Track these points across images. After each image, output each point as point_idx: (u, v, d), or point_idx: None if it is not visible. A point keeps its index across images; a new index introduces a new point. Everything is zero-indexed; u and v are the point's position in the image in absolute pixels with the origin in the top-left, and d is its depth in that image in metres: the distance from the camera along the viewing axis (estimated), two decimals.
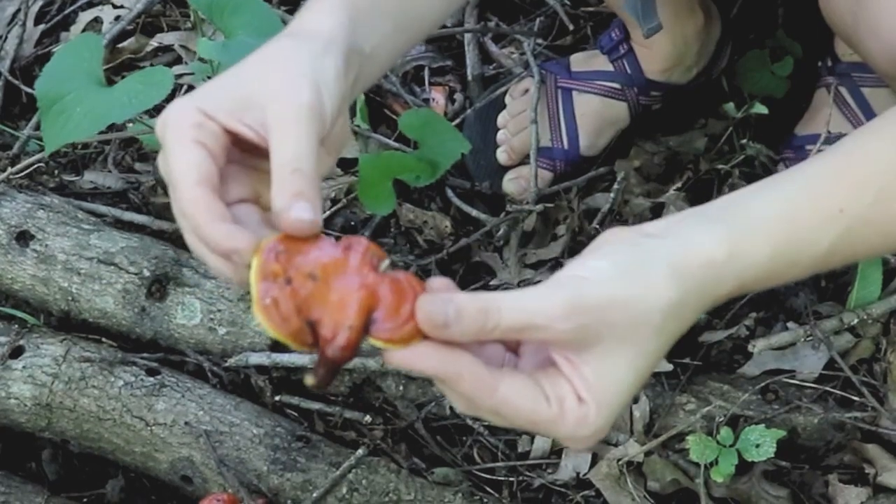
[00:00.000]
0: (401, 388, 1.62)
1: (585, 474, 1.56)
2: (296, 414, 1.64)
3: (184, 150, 0.90)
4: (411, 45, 1.18)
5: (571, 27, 2.01)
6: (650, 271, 0.86)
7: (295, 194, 0.87)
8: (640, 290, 0.85)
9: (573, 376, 0.85)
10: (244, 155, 0.94)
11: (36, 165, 1.87)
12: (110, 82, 1.53)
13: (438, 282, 0.87)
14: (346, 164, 1.87)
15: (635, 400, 1.57)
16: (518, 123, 1.83)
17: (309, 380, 0.86)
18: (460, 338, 0.83)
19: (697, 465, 1.51)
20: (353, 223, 1.83)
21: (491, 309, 0.83)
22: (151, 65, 2.01)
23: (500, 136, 1.85)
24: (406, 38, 1.15)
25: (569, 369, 0.85)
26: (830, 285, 1.69)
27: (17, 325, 1.69)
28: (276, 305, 0.85)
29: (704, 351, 1.64)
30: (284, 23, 1.09)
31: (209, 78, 1.70)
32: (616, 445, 1.56)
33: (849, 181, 0.94)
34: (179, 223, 0.92)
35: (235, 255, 0.88)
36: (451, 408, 1.61)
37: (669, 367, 1.59)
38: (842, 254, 0.94)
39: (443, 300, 0.83)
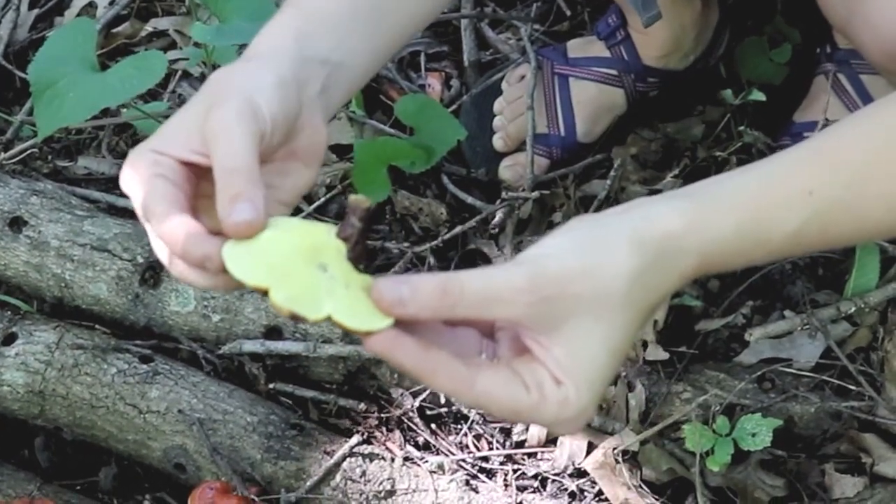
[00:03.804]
0: (395, 376, 1.62)
1: (580, 463, 1.55)
2: (290, 402, 1.63)
3: (146, 185, 0.91)
4: (394, 49, 1.18)
5: (569, 13, 2.00)
6: (609, 242, 0.87)
7: (233, 197, 0.87)
8: (600, 259, 0.86)
9: (546, 359, 0.85)
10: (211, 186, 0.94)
11: (29, 151, 1.87)
12: (104, 67, 1.52)
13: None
14: (342, 151, 1.86)
15: (630, 388, 1.57)
16: (514, 110, 1.82)
17: None
18: (420, 314, 0.83)
19: (693, 454, 1.51)
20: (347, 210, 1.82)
21: (451, 284, 0.83)
22: (146, 49, 2.00)
23: (496, 122, 1.84)
24: (385, 43, 1.13)
25: (541, 352, 0.85)
26: (828, 273, 1.68)
27: (9, 312, 1.69)
28: None
29: (701, 339, 1.63)
30: (278, 6, 1.08)
31: (204, 63, 1.71)
32: (611, 434, 1.56)
33: (822, 163, 0.93)
34: (160, 256, 0.93)
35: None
36: (445, 396, 1.61)
37: (665, 355, 1.59)
38: (812, 237, 0.93)
39: (396, 280, 0.84)
